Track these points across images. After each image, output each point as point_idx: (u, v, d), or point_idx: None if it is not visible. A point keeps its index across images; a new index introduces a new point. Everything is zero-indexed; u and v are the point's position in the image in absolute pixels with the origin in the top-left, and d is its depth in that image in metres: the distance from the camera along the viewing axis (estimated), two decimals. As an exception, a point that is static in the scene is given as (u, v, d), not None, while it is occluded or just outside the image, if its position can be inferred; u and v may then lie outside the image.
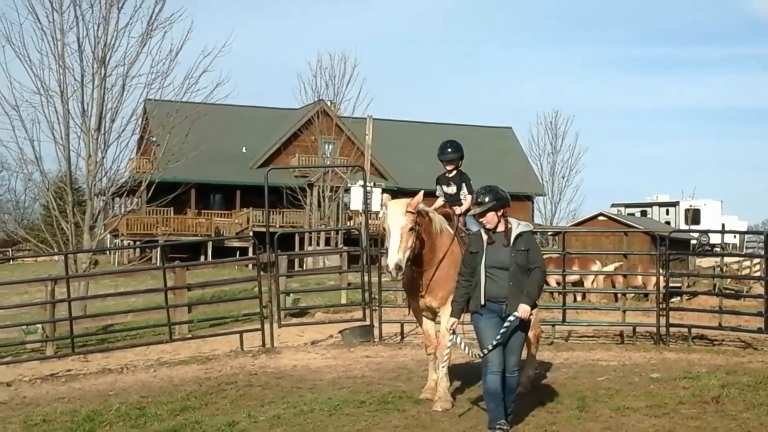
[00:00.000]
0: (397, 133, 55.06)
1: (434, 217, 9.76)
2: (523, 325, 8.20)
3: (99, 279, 24.97)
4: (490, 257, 8.21)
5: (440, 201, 10.75)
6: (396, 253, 9.08)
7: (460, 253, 9.46)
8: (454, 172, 10.74)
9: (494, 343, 8.02)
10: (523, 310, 8.02)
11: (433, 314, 10.08)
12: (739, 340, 15.63)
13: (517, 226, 8.30)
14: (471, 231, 9.86)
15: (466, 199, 10.40)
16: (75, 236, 22.47)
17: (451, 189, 10.72)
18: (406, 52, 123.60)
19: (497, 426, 8.06)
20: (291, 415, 9.33)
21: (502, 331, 8.02)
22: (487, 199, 8.23)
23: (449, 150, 10.73)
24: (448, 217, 10.20)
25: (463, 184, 10.68)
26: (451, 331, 8.56)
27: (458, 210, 10.39)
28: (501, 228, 8.27)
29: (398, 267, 9.06)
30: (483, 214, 8.25)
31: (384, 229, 9.55)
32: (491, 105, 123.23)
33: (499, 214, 8.25)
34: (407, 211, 9.24)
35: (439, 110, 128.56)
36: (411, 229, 9.22)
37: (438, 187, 10.86)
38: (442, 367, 9.54)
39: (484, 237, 8.31)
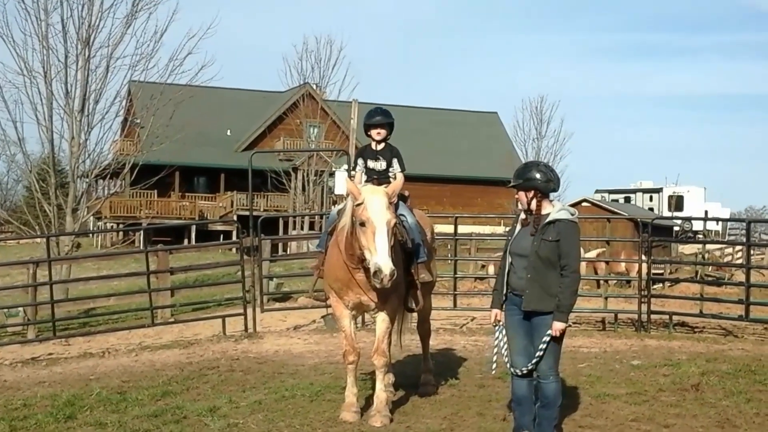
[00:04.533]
0: (382, 118, 54.65)
1: None
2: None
3: (81, 262, 24.84)
4: (515, 242, 7.20)
5: (358, 179, 8.95)
6: (388, 256, 7.51)
7: (398, 243, 8.31)
8: (383, 145, 8.99)
9: (529, 367, 7.07)
10: (556, 327, 6.96)
11: (360, 312, 8.90)
12: (719, 328, 15.71)
13: (556, 212, 7.09)
14: (405, 218, 8.71)
15: (398, 177, 8.78)
16: (57, 218, 22.37)
17: (380, 164, 8.95)
18: (392, 36, 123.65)
19: None
20: (272, 401, 9.33)
21: (538, 353, 7.00)
22: (519, 175, 7.17)
23: (378, 116, 8.95)
24: None
25: (394, 159, 8.95)
26: (495, 324, 7.37)
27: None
28: (537, 212, 7.15)
29: (393, 273, 7.48)
30: (516, 190, 7.23)
31: (360, 222, 7.74)
32: (477, 90, 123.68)
33: (530, 195, 7.11)
34: (390, 202, 7.80)
35: (424, 95, 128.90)
36: (395, 225, 7.79)
37: (359, 162, 9.08)
38: (391, 378, 9.01)
39: (521, 218, 7.29)
